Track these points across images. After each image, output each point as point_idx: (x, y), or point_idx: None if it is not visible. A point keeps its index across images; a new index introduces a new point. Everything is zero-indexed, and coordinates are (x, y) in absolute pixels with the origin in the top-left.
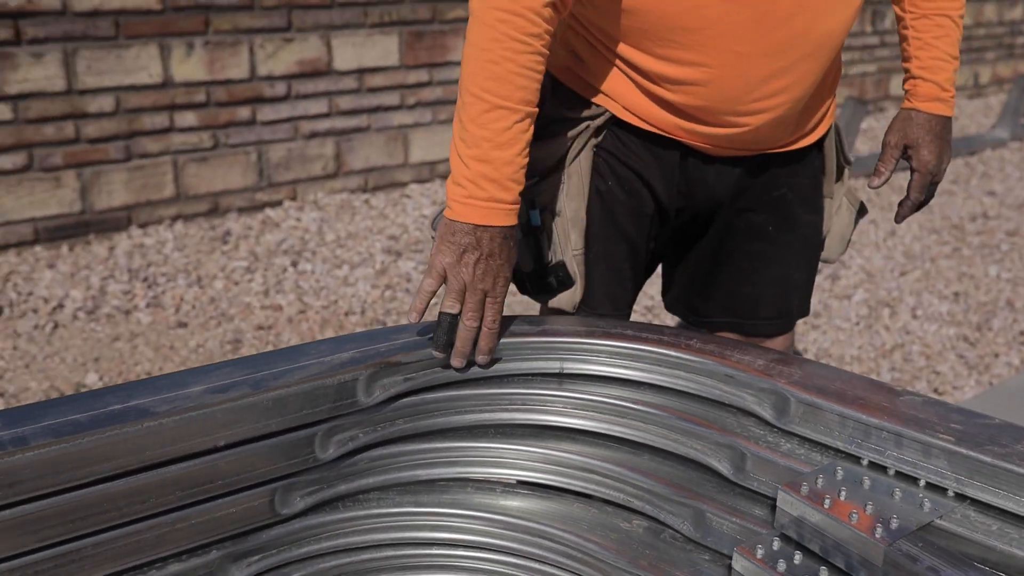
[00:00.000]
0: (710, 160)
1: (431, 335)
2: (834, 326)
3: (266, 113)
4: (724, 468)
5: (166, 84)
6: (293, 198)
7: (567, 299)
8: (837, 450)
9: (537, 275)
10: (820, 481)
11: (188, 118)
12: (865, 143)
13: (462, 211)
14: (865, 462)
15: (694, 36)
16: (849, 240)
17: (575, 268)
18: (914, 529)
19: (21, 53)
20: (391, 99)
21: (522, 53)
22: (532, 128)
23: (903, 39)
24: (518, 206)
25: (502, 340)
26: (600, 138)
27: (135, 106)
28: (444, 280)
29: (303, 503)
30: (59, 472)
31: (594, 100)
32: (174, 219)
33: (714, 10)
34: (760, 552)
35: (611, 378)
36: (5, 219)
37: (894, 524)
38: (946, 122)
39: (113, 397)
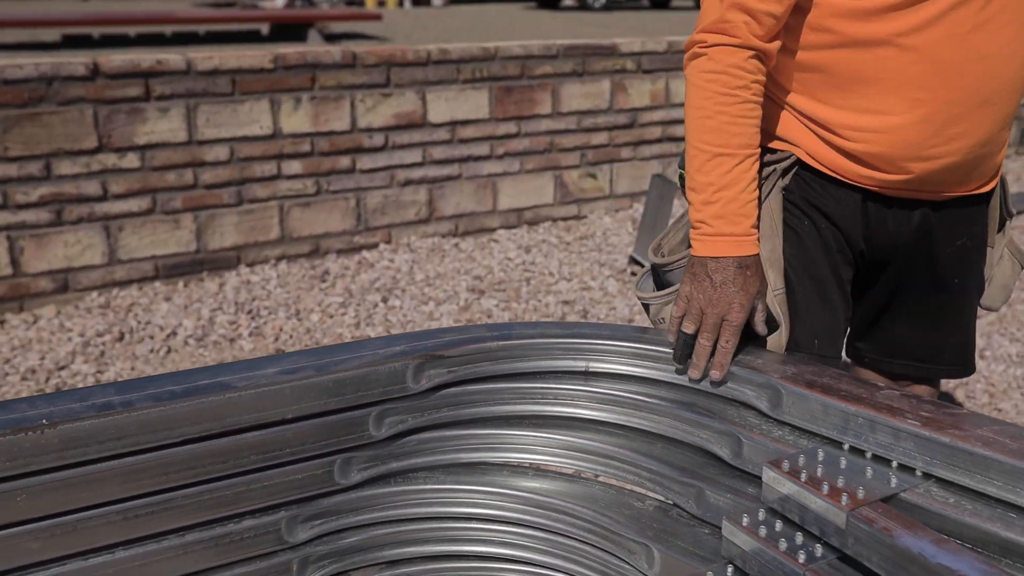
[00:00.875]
0: (891, 203)
1: (474, 334)
2: None
3: (365, 162)
4: (724, 453)
5: (275, 135)
6: (388, 241)
7: (775, 341)
8: (822, 436)
9: None
10: (802, 460)
11: (294, 166)
12: None
13: (698, 247)
14: (846, 446)
15: (873, 87)
16: (1011, 290)
17: (777, 309)
18: (878, 499)
19: (149, 108)
20: (481, 149)
21: (732, 105)
22: (756, 164)
23: None
24: (749, 237)
25: (535, 340)
26: (787, 180)
27: (247, 155)
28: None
29: (359, 476)
30: (156, 431)
31: (779, 147)
32: (279, 259)
33: (894, 62)
34: (746, 520)
35: (630, 376)
36: (130, 256)
37: (860, 495)
38: None
39: (202, 375)
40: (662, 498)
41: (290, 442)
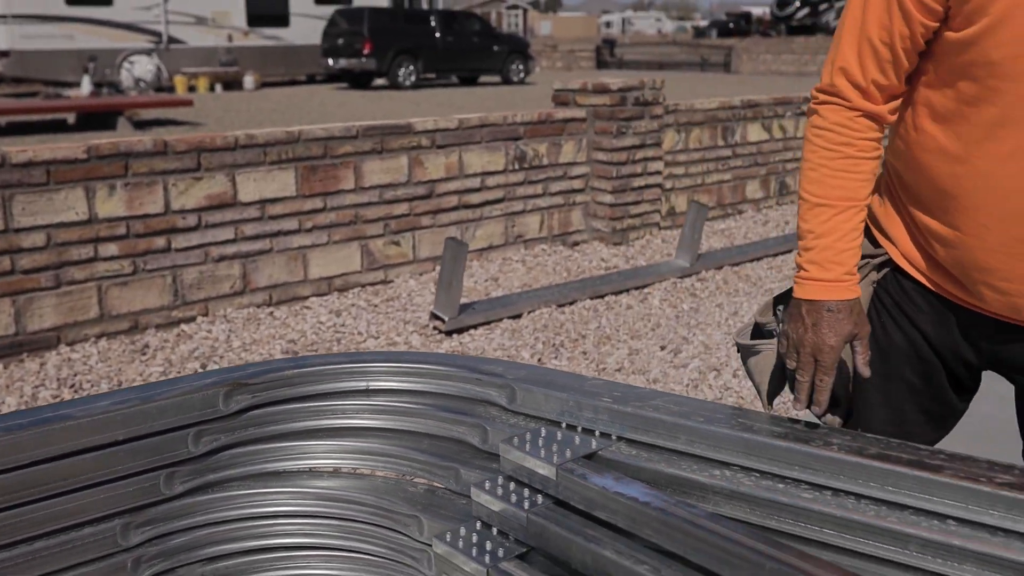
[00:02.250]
0: (985, 321)
1: (274, 366)
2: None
3: (179, 241)
4: (475, 441)
5: (91, 220)
6: (205, 314)
7: (831, 419)
8: (546, 419)
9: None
10: (528, 437)
11: (111, 248)
12: (720, 240)
13: (796, 290)
14: (563, 424)
15: (951, 201)
16: None
17: (841, 395)
18: (580, 456)
19: None
20: (290, 224)
21: (834, 159)
22: (856, 217)
23: None
24: (842, 283)
25: (324, 367)
26: (881, 275)
27: (64, 240)
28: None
29: (182, 487)
30: (6, 455)
31: (879, 239)
32: (99, 336)
33: (970, 181)
34: (487, 486)
35: (402, 390)
36: None
37: (567, 455)
38: None
39: (47, 410)
40: (428, 481)
41: (122, 460)
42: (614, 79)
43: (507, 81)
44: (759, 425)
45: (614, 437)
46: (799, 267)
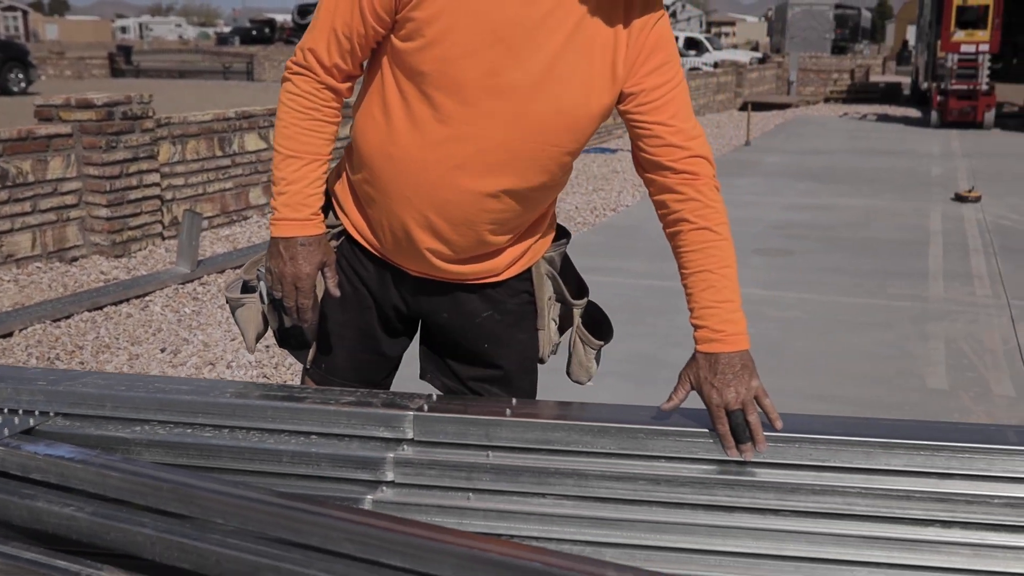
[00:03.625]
0: (409, 278)
1: None
2: None
3: None
4: None
5: None
6: None
7: (302, 357)
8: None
9: (280, 333)
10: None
11: None
12: (224, 245)
13: (273, 230)
14: (5, 410)
15: (385, 179)
16: (590, 367)
17: (310, 336)
18: (19, 432)
19: None
20: None
21: (303, 120)
22: (320, 168)
23: (684, 290)
24: (310, 222)
25: None
26: (339, 242)
27: None
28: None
29: None
30: None
31: (338, 212)
32: None
33: (400, 163)
34: None
35: None
36: None
37: (6, 432)
38: (730, 357)
39: None
40: None
41: None
42: (99, 93)
43: (6, 92)
44: (172, 386)
45: (52, 414)
46: (274, 210)
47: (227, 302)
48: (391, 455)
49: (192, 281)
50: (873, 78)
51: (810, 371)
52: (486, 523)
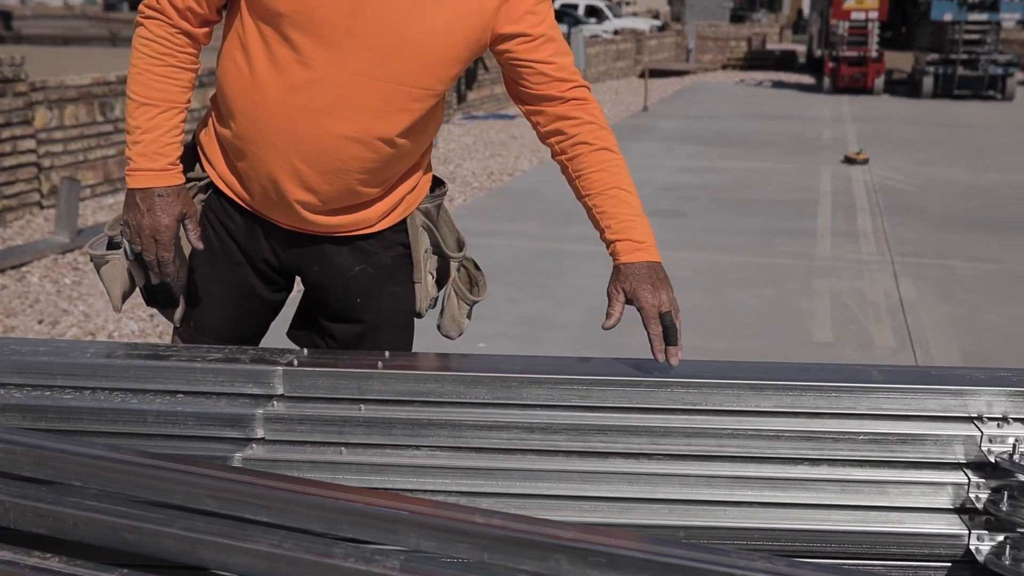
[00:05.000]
0: (280, 231)
1: None
2: None
3: None
4: None
5: None
6: None
7: (171, 315)
8: None
9: (148, 291)
10: None
11: None
12: (108, 214)
13: (129, 181)
14: None
15: (249, 126)
16: (461, 322)
17: (177, 293)
18: None
19: None
20: None
21: (157, 66)
22: (177, 117)
23: (588, 211)
24: (167, 172)
25: None
26: (207, 196)
27: None
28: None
29: None
30: None
31: (204, 165)
32: None
33: (264, 109)
34: None
35: None
36: None
37: None
38: (653, 265)
39: None
40: None
41: None
42: None
43: None
44: (28, 348)
45: None
46: (130, 160)
47: (91, 259)
48: (260, 411)
49: (72, 251)
50: (770, 46)
51: (697, 329)
52: (360, 477)
